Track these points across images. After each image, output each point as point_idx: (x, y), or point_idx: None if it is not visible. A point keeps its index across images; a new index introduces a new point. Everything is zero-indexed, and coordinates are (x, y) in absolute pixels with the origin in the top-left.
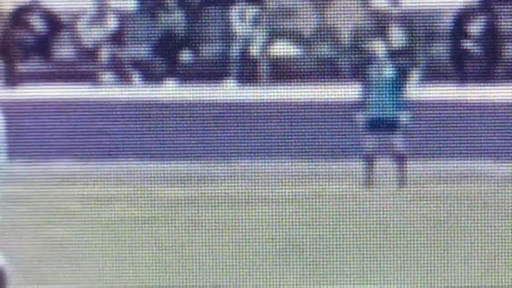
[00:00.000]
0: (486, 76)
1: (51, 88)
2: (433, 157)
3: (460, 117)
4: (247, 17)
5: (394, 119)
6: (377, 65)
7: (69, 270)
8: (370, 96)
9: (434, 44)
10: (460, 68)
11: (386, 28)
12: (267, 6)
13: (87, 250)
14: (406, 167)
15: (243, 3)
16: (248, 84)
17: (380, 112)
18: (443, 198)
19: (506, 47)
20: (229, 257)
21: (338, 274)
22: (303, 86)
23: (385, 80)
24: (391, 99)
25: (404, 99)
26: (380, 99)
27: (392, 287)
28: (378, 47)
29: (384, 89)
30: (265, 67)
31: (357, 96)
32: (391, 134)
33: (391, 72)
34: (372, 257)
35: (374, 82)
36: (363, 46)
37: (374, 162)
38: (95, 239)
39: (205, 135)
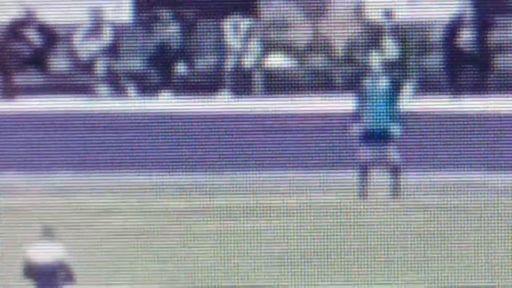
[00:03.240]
0: (479, 87)
1: (47, 101)
2: (426, 168)
3: (453, 128)
4: (241, 29)
5: (388, 130)
6: (371, 77)
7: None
8: (365, 107)
9: (428, 56)
10: (454, 80)
11: (380, 40)
12: (262, 19)
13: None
14: (400, 178)
15: (238, 16)
16: (243, 96)
17: (374, 123)
18: (436, 209)
19: (499, 58)
20: (223, 266)
21: (329, 283)
22: (297, 98)
23: (379, 92)
24: (385, 110)
25: (398, 110)
26: (374, 110)
27: None
28: (372, 59)
29: (378, 100)
30: (259, 79)
31: (351, 107)
32: (385, 145)
33: (385, 83)
34: (364, 266)
35: (368, 94)
36: (356, 58)
37: (368, 173)
38: (93, 249)
39: (199, 146)
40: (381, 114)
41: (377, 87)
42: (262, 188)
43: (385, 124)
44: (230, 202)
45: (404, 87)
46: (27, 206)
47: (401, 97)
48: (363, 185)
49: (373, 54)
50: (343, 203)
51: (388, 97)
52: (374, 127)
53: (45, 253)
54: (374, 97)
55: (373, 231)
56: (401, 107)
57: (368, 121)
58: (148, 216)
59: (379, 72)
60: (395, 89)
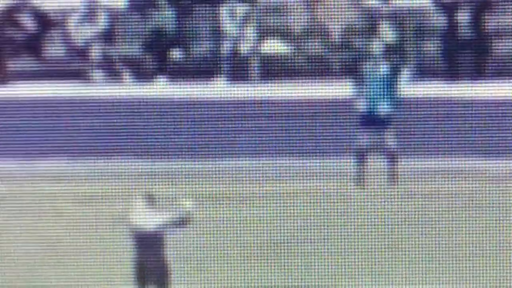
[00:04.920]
0: (479, 72)
1: (41, 86)
2: (424, 154)
3: (451, 114)
4: (237, 15)
5: (386, 116)
6: (369, 62)
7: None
8: (363, 93)
9: (426, 41)
10: (453, 65)
11: (378, 25)
12: (258, 4)
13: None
14: (397, 165)
15: (234, 1)
16: (239, 82)
17: (372, 109)
18: (434, 196)
19: (498, 43)
20: (214, 255)
21: (327, 273)
22: (294, 84)
23: (377, 77)
24: (383, 96)
25: (396, 96)
26: (373, 96)
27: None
28: (370, 45)
29: (376, 86)
30: (256, 65)
31: (349, 93)
32: (383, 131)
33: (383, 69)
34: (363, 256)
35: (366, 79)
36: (353, 43)
37: (365, 160)
38: (83, 237)
39: (195, 133)
40: (380, 99)
41: (376, 73)
42: (257, 175)
43: (383, 109)
44: (223, 189)
45: (402, 72)
46: (19, 193)
47: (399, 82)
48: (360, 172)
49: (372, 39)
50: (341, 190)
51: (386, 83)
52: (372, 113)
53: (148, 220)
54: (373, 83)
55: (370, 219)
56: (399, 92)
57: (367, 106)
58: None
59: (377, 58)
60: (393, 75)
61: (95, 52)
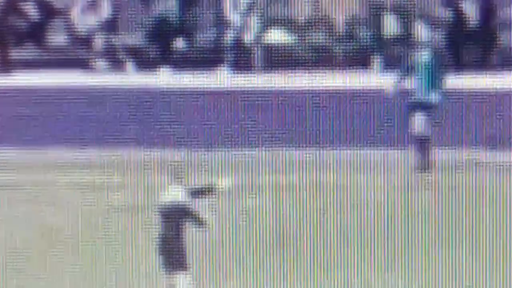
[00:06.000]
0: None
1: (45, 75)
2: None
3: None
4: (242, 4)
5: (430, 104)
6: (412, 52)
7: None
8: (411, 82)
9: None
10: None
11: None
12: None
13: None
14: (432, 153)
15: None
16: (242, 71)
17: (418, 97)
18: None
19: None
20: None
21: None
22: (303, 74)
23: (422, 67)
24: (429, 85)
25: (442, 86)
26: (419, 85)
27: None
28: (415, 34)
29: (422, 75)
30: (260, 55)
31: (353, 83)
32: (425, 118)
33: (426, 59)
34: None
35: (412, 69)
36: (361, 34)
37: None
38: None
39: (199, 122)
40: (426, 89)
41: (420, 63)
42: (264, 166)
43: (428, 98)
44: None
45: (445, 63)
46: (19, 181)
47: (444, 73)
48: (420, 158)
49: (416, 27)
50: (346, 181)
51: (430, 73)
52: (418, 101)
53: (174, 195)
54: (419, 73)
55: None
56: (445, 83)
57: (414, 95)
58: (139, 193)
59: (421, 47)
60: (437, 65)
61: (99, 41)
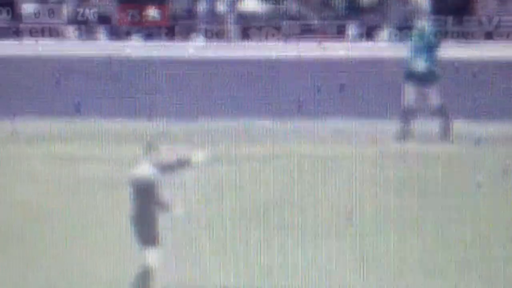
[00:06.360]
0: None
1: (14, 44)
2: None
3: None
4: None
5: (428, 75)
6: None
7: None
8: (407, 52)
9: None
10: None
11: None
12: None
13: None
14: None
15: None
16: (217, 40)
17: (415, 68)
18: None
19: None
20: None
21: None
22: (277, 43)
23: (419, 37)
24: (426, 55)
25: (438, 56)
26: (416, 55)
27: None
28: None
29: (418, 45)
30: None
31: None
32: (425, 90)
33: (424, 29)
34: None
35: (410, 40)
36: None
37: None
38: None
39: (171, 92)
40: (422, 59)
41: (417, 33)
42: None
43: (425, 68)
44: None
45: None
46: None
47: (440, 43)
48: (404, 130)
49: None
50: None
51: (428, 43)
52: (415, 71)
53: (143, 169)
54: (415, 43)
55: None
56: (440, 53)
57: (410, 65)
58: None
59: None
60: (432, 35)
61: (70, 9)
